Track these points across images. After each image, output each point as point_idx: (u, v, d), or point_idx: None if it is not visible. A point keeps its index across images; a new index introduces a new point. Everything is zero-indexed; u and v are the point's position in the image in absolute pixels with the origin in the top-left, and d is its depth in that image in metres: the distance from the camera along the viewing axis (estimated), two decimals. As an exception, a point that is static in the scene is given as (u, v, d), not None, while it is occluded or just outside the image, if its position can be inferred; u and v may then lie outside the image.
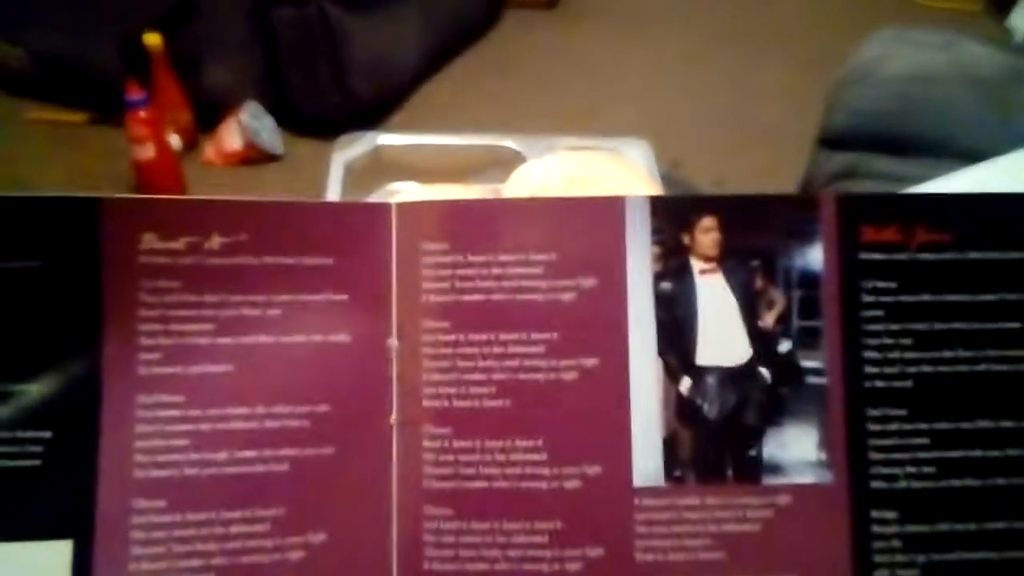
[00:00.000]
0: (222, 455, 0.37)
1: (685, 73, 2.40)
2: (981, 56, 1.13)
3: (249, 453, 0.38)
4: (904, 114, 1.11)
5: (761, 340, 0.39)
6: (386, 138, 0.82)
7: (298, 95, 2.05)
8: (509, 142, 0.82)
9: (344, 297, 0.40)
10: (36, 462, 0.36)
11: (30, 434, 0.36)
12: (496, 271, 0.40)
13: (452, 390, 0.39)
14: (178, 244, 0.38)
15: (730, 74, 2.39)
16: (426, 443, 0.39)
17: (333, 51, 2.03)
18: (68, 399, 0.37)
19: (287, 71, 2.07)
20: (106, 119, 1.98)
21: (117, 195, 0.37)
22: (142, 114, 1.80)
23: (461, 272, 0.40)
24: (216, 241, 0.38)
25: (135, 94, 1.79)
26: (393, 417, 0.39)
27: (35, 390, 0.36)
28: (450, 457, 0.39)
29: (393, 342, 0.40)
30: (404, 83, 2.27)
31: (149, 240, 0.38)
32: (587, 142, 0.82)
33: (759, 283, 0.40)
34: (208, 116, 1.98)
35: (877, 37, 1.22)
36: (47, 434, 0.36)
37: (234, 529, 0.37)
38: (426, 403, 0.39)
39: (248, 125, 1.92)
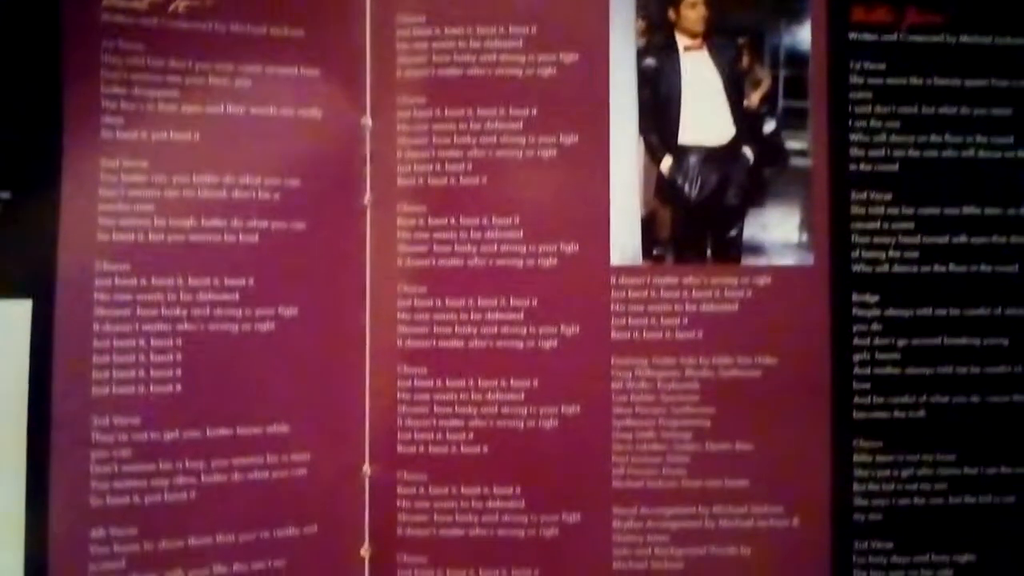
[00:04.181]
0: (188, 222, 0.34)
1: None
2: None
3: (217, 222, 0.34)
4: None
5: (745, 119, 0.36)
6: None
7: None
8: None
9: (316, 72, 0.35)
10: (-5, 222, 0.33)
11: (-12, 193, 0.33)
12: (474, 44, 0.35)
13: (427, 168, 0.36)
14: (141, 3, 0.34)
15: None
16: (400, 221, 0.36)
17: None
18: (27, 160, 0.33)
19: None
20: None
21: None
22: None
23: (437, 46, 0.36)
24: (182, 4, 0.34)
25: None
26: (367, 197, 0.36)
27: (-8, 148, 0.33)
28: (424, 235, 0.35)
29: (367, 120, 0.36)
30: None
31: (110, -3, 0.34)
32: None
33: (745, 61, 0.36)
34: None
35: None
36: (6, 194, 0.33)
37: (201, 297, 0.34)
38: (401, 181, 0.36)
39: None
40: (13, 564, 0.31)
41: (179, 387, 0.33)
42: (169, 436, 0.33)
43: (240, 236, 0.34)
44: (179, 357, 0.33)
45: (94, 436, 0.32)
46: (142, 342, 0.33)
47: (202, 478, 0.33)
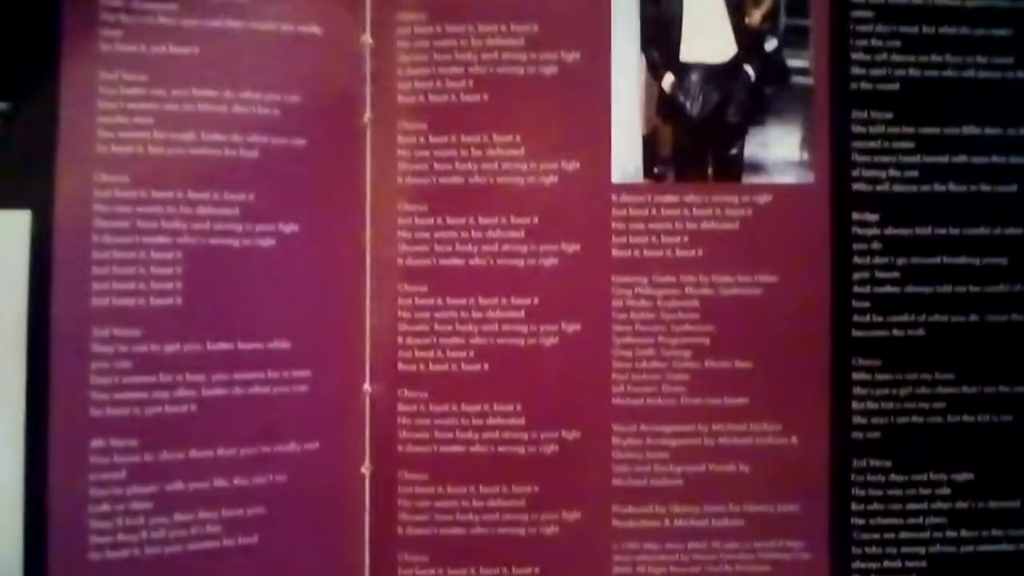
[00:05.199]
0: (188, 136, 0.33)
1: None
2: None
3: (217, 136, 0.34)
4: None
5: (747, 37, 0.35)
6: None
7: None
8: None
9: (316, -12, 0.35)
10: (-7, 133, 0.32)
11: (-15, 104, 0.32)
12: (474, -39, 0.35)
13: (428, 85, 0.35)
14: (139, -86, 0.34)
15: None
16: (400, 139, 0.35)
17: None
18: (26, 71, 0.32)
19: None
20: None
21: None
22: None
23: (437, -38, 0.36)
24: (180, -84, 0.34)
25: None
26: (367, 115, 0.36)
27: (-10, 58, 0.32)
28: (425, 153, 0.35)
29: (367, 38, 0.36)
30: None
31: (107, -93, 0.33)
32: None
33: (746, -22, 0.36)
34: None
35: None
36: (4, 105, 0.32)
37: (201, 210, 0.33)
38: (401, 99, 0.35)
39: None
40: (14, 472, 0.31)
41: (179, 300, 0.33)
42: (170, 349, 0.33)
43: (240, 151, 0.34)
44: (179, 270, 0.33)
45: (94, 347, 0.32)
46: (142, 254, 0.33)
47: (203, 391, 0.33)
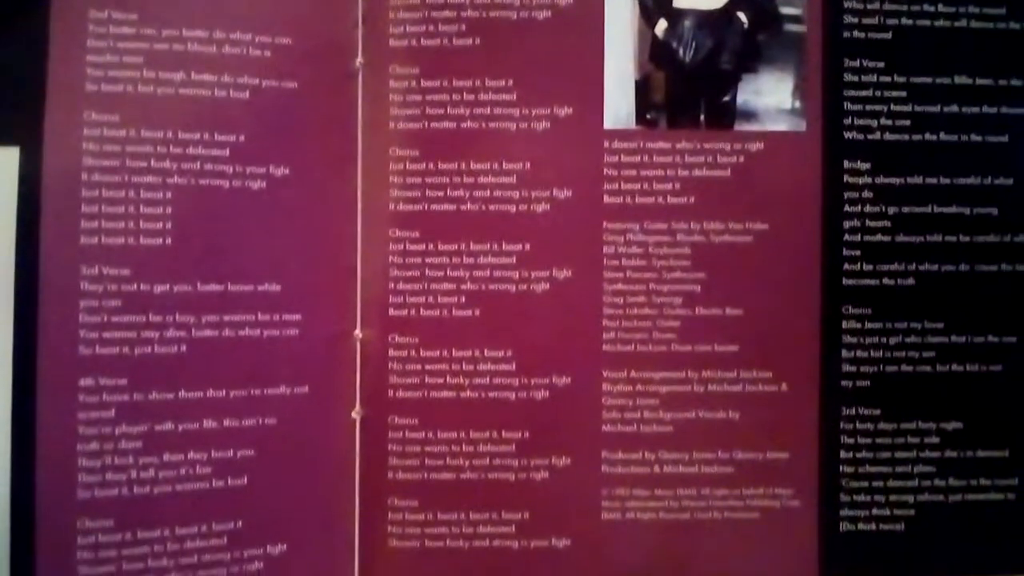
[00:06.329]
0: (178, 76, 0.33)
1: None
2: None
3: (207, 77, 0.34)
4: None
5: (740, -16, 0.36)
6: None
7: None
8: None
9: (308, -69, 0.35)
10: (-20, 70, 0.32)
11: (-26, 40, 0.32)
12: (467, -96, 0.35)
13: (420, 28, 0.35)
14: None
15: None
16: (393, 84, 0.35)
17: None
18: (15, 8, 0.32)
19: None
20: None
21: None
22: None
23: (430, -95, 0.35)
24: None
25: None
26: (358, 59, 0.36)
27: (-22, -6, 0.32)
28: (417, 97, 0.35)
29: (359, -18, 0.36)
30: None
31: None
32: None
33: (740, -75, 0.36)
34: None
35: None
36: (-8, 42, 0.33)
37: (191, 151, 0.33)
38: (393, 43, 0.35)
39: None
40: (2, 410, 0.31)
41: (169, 240, 0.33)
42: (159, 289, 0.33)
43: (231, 92, 0.34)
44: (169, 210, 0.33)
45: (83, 285, 0.32)
46: (131, 193, 0.33)
47: (193, 332, 0.33)
